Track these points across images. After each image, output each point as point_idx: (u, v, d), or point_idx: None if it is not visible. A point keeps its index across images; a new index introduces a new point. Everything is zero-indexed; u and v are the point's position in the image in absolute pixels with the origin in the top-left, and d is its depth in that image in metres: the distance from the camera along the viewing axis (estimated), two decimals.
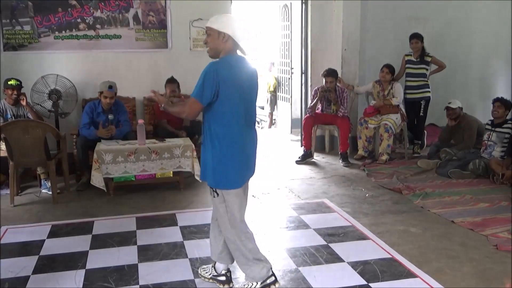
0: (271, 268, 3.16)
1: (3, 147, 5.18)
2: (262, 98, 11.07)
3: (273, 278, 3.15)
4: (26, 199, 5.26)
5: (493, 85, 8.16)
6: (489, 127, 5.93)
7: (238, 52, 3.05)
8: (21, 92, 5.57)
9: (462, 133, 6.35)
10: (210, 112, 2.93)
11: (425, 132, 7.19)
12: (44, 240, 4.11)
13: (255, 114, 3.19)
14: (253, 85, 3.12)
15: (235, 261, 3.25)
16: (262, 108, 11.29)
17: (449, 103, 6.39)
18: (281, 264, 3.63)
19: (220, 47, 2.97)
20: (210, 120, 2.96)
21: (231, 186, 2.99)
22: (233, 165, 2.97)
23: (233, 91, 2.91)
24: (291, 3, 8.00)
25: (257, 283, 3.12)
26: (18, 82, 5.52)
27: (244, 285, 3.18)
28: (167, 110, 3.10)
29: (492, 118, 5.92)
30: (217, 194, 3.01)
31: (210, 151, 2.99)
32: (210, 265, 3.37)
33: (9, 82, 5.47)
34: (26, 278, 3.43)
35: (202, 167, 3.10)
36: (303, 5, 7.17)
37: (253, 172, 3.20)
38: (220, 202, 3.03)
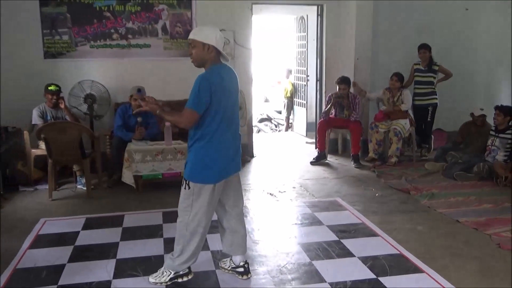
0: (190, 266, 3.20)
1: (43, 146, 5.27)
2: (280, 103, 11.08)
3: (186, 271, 3.20)
4: (63, 194, 5.33)
5: (497, 92, 8.04)
6: (493, 133, 5.86)
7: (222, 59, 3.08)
8: (60, 97, 5.66)
9: (476, 139, 6.21)
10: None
11: (432, 136, 7.11)
12: (78, 232, 4.16)
13: (238, 118, 3.18)
14: (235, 91, 3.13)
15: (246, 252, 3.29)
16: (280, 112, 11.28)
17: (482, 109, 6.23)
18: (295, 257, 3.62)
19: (206, 58, 2.99)
20: (196, 123, 2.97)
21: (205, 181, 2.99)
22: (210, 163, 2.98)
23: (220, 98, 2.93)
24: (307, 15, 7.98)
25: (171, 273, 3.17)
26: (57, 88, 5.60)
27: (159, 272, 3.21)
28: (164, 118, 3.12)
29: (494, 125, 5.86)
30: (189, 187, 3.01)
31: (193, 150, 3.02)
32: (228, 258, 3.39)
33: (49, 88, 5.55)
34: (62, 267, 3.47)
35: (186, 164, 3.09)
36: (319, 17, 7.17)
37: (234, 171, 3.17)
38: (189, 195, 3.03)
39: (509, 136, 5.67)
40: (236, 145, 3.16)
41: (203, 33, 2.98)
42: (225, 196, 3.20)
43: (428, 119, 6.87)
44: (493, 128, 5.89)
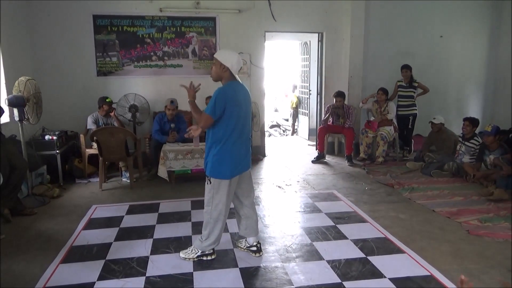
0: (214, 248, 3.20)
1: (95, 146, 5.30)
2: (287, 113, 11.05)
3: (211, 251, 3.19)
4: (110, 185, 5.36)
5: (466, 105, 7.94)
6: (461, 140, 5.79)
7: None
8: (112, 107, 5.72)
9: (442, 142, 6.18)
10: (215, 122, 2.93)
11: (412, 140, 7.03)
12: (123, 216, 4.18)
13: (249, 126, 3.14)
14: (247, 104, 3.10)
15: (256, 234, 3.30)
16: (287, 120, 11.25)
17: (434, 118, 6.24)
18: (299, 239, 3.59)
19: (221, 75, 3.00)
20: (213, 128, 2.96)
21: (222, 177, 2.98)
22: (225, 162, 2.97)
23: (233, 108, 2.91)
24: (310, 41, 7.95)
25: (199, 251, 3.17)
26: (111, 100, 5.67)
27: (189, 250, 3.23)
28: (192, 110, 3.06)
29: (462, 133, 5.79)
30: (210, 182, 3.01)
31: (211, 150, 3.00)
32: (244, 239, 3.37)
33: (107, 100, 5.63)
34: (110, 244, 3.49)
35: (204, 162, 3.08)
36: (319, 42, 7.13)
37: (245, 169, 3.15)
38: (210, 189, 3.03)
39: (472, 145, 5.58)
40: (247, 147, 3.14)
41: (224, 56, 2.98)
42: (239, 189, 3.19)
43: (409, 127, 6.80)
44: (461, 135, 5.81)
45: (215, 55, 3.00)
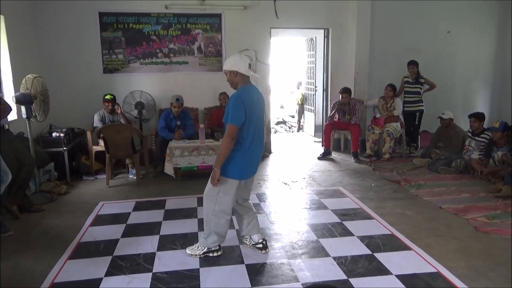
0: (220, 244, 3.22)
1: (102, 143, 5.33)
2: (293, 109, 11.02)
3: (217, 248, 3.21)
4: (117, 182, 5.39)
5: (473, 102, 7.88)
6: (470, 135, 5.73)
7: (251, 79, 3.06)
8: (116, 103, 5.72)
9: (450, 139, 6.14)
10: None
11: (419, 137, 7.00)
12: (130, 213, 4.20)
13: (263, 130, 3.11)
14: (262, 107, 3.09)
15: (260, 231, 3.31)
16: (293, 116, 11.23)
17: (443, 114, 6.22)
18: (305, 236, 3.59)
19: (235, 81, 3.01)
20: (237, 133, 2.93)
21: (232, 176, 2.98)
22: (239, 163, 2.96)
23: (249, 112, 2.90)
24: (315, 37, 7.91)
25: (204, 247, 3.19)
26: (112, 96, 5.66)
27: (195, 246, 3.25)
28: (220, 161, 2.93)
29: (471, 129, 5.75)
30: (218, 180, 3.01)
31: (231, 152, 2.97)
32: (249, 236, 3.37)
33: (105, 97, 5.62)
34: (116, 241, 3.50)
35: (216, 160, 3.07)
36: (325, 38, 7.11)
37: (254, 172, 3.16)
38: (217, 186, 3.02)
39: (483, 139, 5.53)
40: (261, 152, 3.15)
41: (229, 63, 3.02)
42: (241, 192, 3.18)
43: (416, 123, 6.77)
44: (470, 131, 5.76)
45: (224, 68, 3.05)
